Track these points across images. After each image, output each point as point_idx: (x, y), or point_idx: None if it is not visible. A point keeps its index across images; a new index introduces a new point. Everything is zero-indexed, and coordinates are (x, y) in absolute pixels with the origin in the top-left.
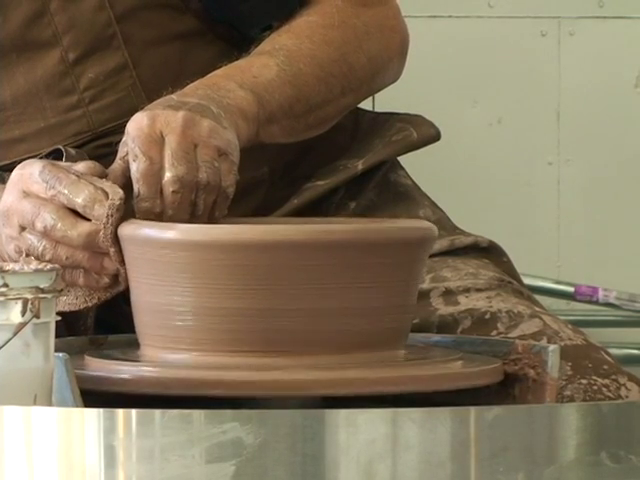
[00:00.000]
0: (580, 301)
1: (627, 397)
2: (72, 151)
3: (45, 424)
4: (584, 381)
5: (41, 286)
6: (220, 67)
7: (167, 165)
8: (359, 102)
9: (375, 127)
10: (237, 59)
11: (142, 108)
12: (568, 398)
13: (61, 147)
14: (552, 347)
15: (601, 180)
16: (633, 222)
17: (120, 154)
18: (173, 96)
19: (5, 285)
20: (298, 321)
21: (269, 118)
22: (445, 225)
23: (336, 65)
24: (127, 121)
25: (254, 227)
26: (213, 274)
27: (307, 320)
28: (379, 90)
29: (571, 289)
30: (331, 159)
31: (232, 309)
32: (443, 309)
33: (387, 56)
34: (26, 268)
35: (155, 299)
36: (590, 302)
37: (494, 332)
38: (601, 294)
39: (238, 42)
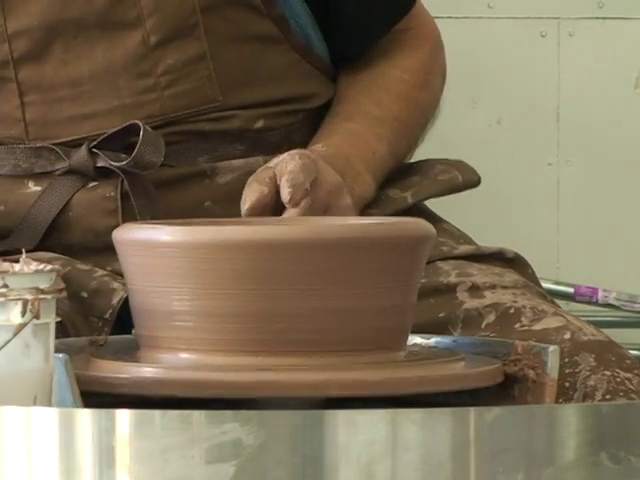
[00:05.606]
0: (579, 302)
1: None
2: (149, 129)
3: (45, 425)
4: (608, 372)
5: (41, 287)
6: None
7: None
8: None
9: (415, 167)
10: (309, 71)
11: (216, 100)
12: (591, 388)
13: (139, 122)
14: (552, 348)
15: (601, 181)
16: (633, 223)
17: (268, 174)
18: (347, 179)
19: (5, 286)
20: (298, 322)
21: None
22: (469, 240)
23: (419, 129)
24: (199, 110)
25: (253, 228)
26: (212, 275)
27: (307, 321)
28: None
29: (570, 290)
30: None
31: (232, 310)
32: (469, 302)
33: (437, 102)
34: (26, 269)
35: (154, 300)
36: (590, 303)
37: (517, 325)
38: (600, 295)
39: (313, 59)
